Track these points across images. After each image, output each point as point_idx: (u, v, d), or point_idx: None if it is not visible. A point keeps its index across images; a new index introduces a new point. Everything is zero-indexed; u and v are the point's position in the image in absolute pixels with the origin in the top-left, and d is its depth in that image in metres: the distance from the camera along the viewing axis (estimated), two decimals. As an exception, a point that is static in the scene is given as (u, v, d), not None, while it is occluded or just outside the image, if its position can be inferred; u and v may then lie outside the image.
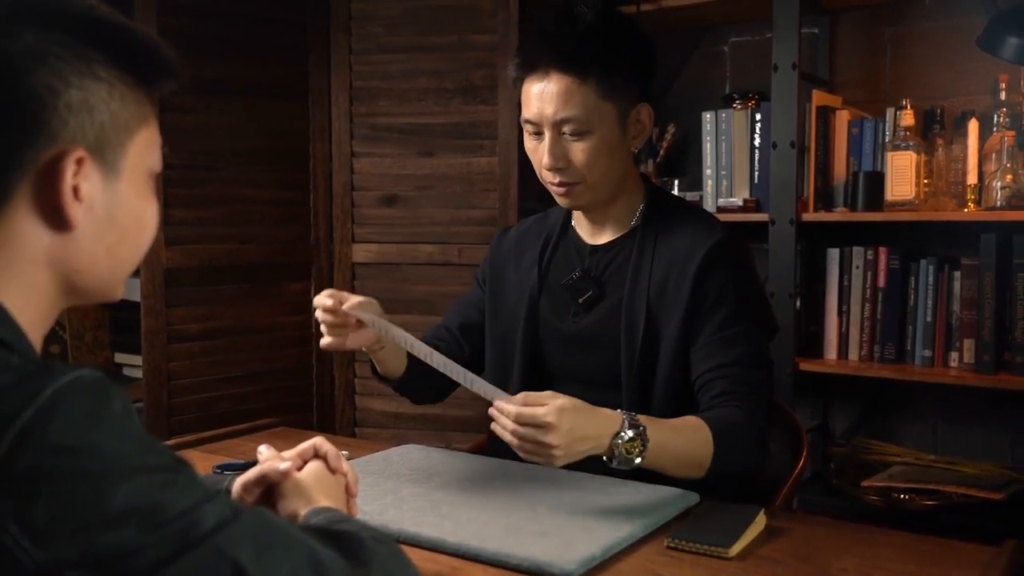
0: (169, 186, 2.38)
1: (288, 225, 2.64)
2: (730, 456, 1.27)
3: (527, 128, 1.41)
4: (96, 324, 2.81)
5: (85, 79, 0.71)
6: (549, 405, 1.11)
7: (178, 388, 2.45)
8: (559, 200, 1.45)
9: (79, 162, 0.71)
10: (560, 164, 1.38)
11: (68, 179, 0.70)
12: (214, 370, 2.52)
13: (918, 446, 2.39)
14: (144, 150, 0.77)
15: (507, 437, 1.12)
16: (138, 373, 2.49)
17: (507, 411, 1.11)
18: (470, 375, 1.20)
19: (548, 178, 1.41)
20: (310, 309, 2.68)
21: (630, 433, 1.15)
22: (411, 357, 1.42)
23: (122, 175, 0.75)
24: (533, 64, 1.37)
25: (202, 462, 1.51)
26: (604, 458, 1.17)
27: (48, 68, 0.69)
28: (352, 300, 1.29)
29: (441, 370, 1.22)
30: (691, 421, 1.29)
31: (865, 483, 2.20)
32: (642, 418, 1.19)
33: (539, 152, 1.39)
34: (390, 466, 1.38)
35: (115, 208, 0.75)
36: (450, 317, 1.63)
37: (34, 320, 0.72)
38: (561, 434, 1.10)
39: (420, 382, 1.48)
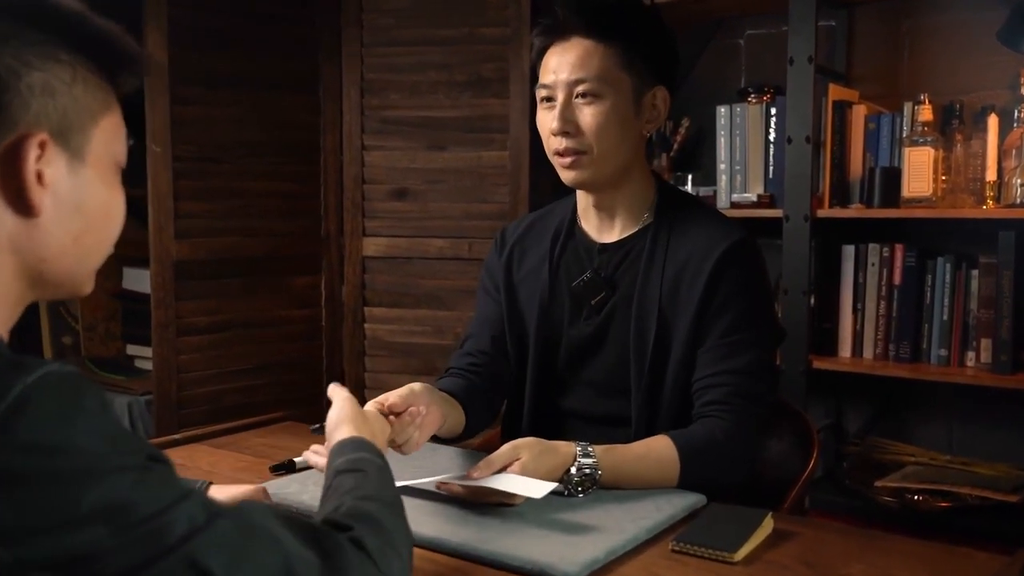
0: (178, 179, 2.38)
1: (298, 218, 2.64)
2: (699, 478, 1.26)
3: (540, 95, 1.39)
4: (108, 316, 2.82)
5: (47, 61, 0.70)
6: (515, 468, 1.17)
7: (187, 381, 2.45)
8: (564, 174, 1.40)
9: (42, 146, 0.70)
10: (568, 128, 1.35)
11: (31, 163, 0.69)
12: (223, 363, 2.52)
13: (933, 446, 2.35)
14: (109, 138, 0.76)
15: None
16: (149, 365, 2.49)
17: (461, 494, 1.16)
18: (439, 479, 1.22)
19: (555, 146, 1.38)
20: (320, 302, 2.70)
21: (586, 471, 1.20)
22: (466, 414, 1.41)
23: (87, 162, 0.74)
24: (558, 29, 1.37)
25: (208, 456, 1.51)
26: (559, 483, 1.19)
27: (9, 49, 0.68)
28: (394, 393, 1.25)
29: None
30: (658, 445, 1.27)
31: (878, 483, 2.18)
32: (600, 449, 1.22)
33: (548, 119, 1.37)
34: (395, 463, 1.36)
35: (81, 196, 0.74)
36: (477, 339, 1.53)
37: (0, 314, 0.71)
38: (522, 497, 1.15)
39: (476, 426, 1.47)
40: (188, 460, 1.47)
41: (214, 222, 2.47)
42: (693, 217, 1.41)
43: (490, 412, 1.52)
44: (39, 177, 0.70)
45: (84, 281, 0.78)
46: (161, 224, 2.36)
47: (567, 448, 1.21)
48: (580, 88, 1.35)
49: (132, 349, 2.81)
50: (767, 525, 1.10)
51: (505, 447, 1.20)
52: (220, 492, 1.03)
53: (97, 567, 0.59)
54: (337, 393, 1.07)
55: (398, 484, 1.22)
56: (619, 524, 1.10)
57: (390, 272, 2.65)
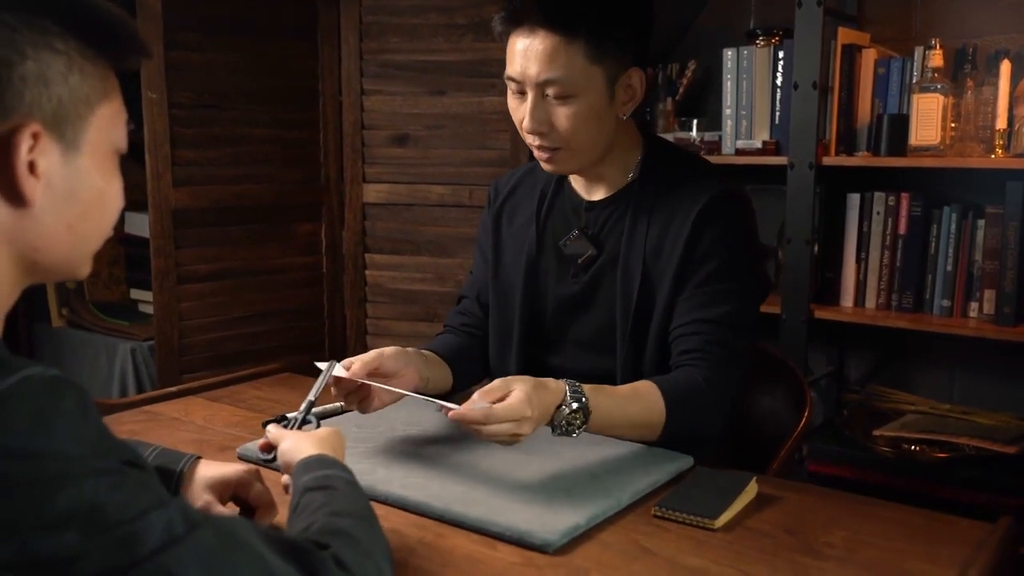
0: (176, 126, 2.36)
1: (298, 165, 2.62)
2: (684, 423, 1.24)
3: (510, 86, 1.34)
4: (112, 260, 2.83)
5: (42, 51, 0.68)
6: (520, 396, 1.08)
7: (188, 328, 2.47)
8: (542, 165, 1.38)
9: (35, 137, 0.68)
10: (542, 128, 1.31)
11: (23, 154, 0.68)
12: (224, 310, 2.53)
13: (935, 395, 2.35)
14: (107, 125, 0.74)
15: (480, 436, 1.10)
16: (151, 310, 2.50)
17: (476, 415, 1.07)
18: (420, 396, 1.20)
19: (529, 140, 1.35)
20: (321, 249, 2.70)
21: (573, 405, 1.13)
22: (452, 370, 1.43)
23: (83, 151, 0.72)
24: (519, 18, 1.29)
25: (204, 410, 1.52)
26: (548, 425, 1.14)
27: (2, 39, 0.67)
28: (358, 360, 1.24)
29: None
30: (643, 388, 1.25)
31: (877, 432, 2.18)
32: (588, 388, 1.16)
33: (520, 112, 1.32)
34: (385, 420, 1.37)
35: (75, 185, 0.72)
36: (470, 299, 1.57)
37: None
38: (534, 421, 1.09)
39: (465, 383, 1.48)
40: (183, 414, 1.48)
41: (212, 169, 2.45)
42: (679, 173, 1.38)
43: (485, 368, 1.54)
44: (32, 167, 0.69)
45: (80, 265, 0.77)
46: (159, 172, 2.35)
47: (556, 384, 1.16)
48: (550, 90, 1.28)
49: (136, 293, 2.83)
50: (751, 490, 1.10)
51: (497, 381, 1.13)
52: (209, 468, 1.01)
53: (69, 571, 0.59)
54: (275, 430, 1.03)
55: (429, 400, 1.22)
56: (604, 488, 1.11)
57: (390, 219, 2.63)
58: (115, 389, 2.52)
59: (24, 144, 0.68)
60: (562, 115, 1.30)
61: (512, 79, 1.32)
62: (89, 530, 0.59)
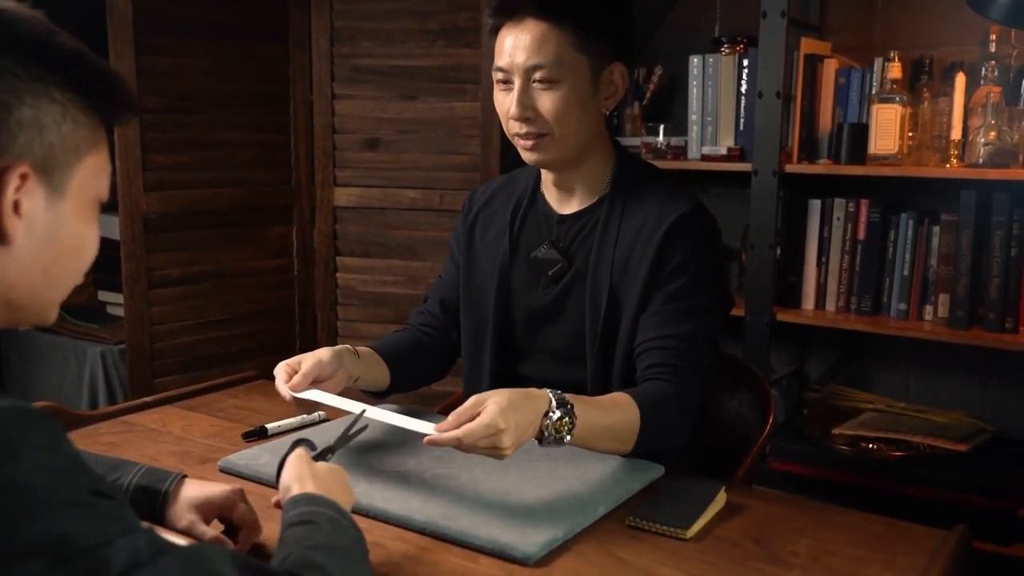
0: (147, 131, 2.36)
1: (269, 168, 2.62)
2: (656, 434, 1.27)
3: (497, 77, 1.39)
4: (79, 262, 2.81)
5: (39, 99, 0.72)
6: (491, 409, 1.07)
7: (160, 332, 2.47)
8: (525, 155, 1.41)
9: (23, 177, 0.72)
10: (528, 114, 1.35)
11: (10, 193, 0.71)
12: (196, 314, 2.53)
13: (892, 394, 2.43)
14: (92, 175, 0.78)
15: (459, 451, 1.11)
16: (122, 312, 2.49)
17: (449, 438, 1.08)
18: (399, 417, 1.20)
19: (515, 129, 1.38)
20: (292, 252, 2.71)
21: (558, 412, 1.14)
22: (391, 368, 1.46)
23: (67, 197, 0.76)
24: (510, 10, 1.35)
25: (182, 420, 1.52)
26: (535, 439, 1.14)
27: (4, 84, 0.70)
28: (300, 374, 1.27)
29: (377, 418, 1.22)
30: (619, 399, 1.27)
31: (836, 431, 2.25)
32: (569, 396, 1.17)
33: (507, 103, 1.37)
34: (367, 431, 1.39)
35: (56, 228, 0.76)
36: (432, 301, 1.61)
37: None
38: (510, 432, 1.07)
39: (407, 383, 1.51)
40: (161, 424, 1.49)
41: (183, 174, 2.45)
42: (647, 189, 1.43)
43: (434, 370, 1.59)
44: (16, 207, 0.72)
45: (49, 309, 0.80)
46: (129, 177, 2.34)
47: (540, 393, 1.16)
48: (537, 74, 1.34)
49: (104, 296, 2.81)
50: (720, 500, 1.15)
51: (472, 399, 1.12)
52: (193, 488, 1.03)
53: None
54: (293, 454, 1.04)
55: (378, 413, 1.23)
56: (580, 499, 1.15)
57: (362, 222, 2.65)
58: (85, 393, 2.52)
59: (12, 184, 0.71)
60: (548, 100, 1.35)
61: (500, 69, 1.37)
62: (55, 559, 0.61)
